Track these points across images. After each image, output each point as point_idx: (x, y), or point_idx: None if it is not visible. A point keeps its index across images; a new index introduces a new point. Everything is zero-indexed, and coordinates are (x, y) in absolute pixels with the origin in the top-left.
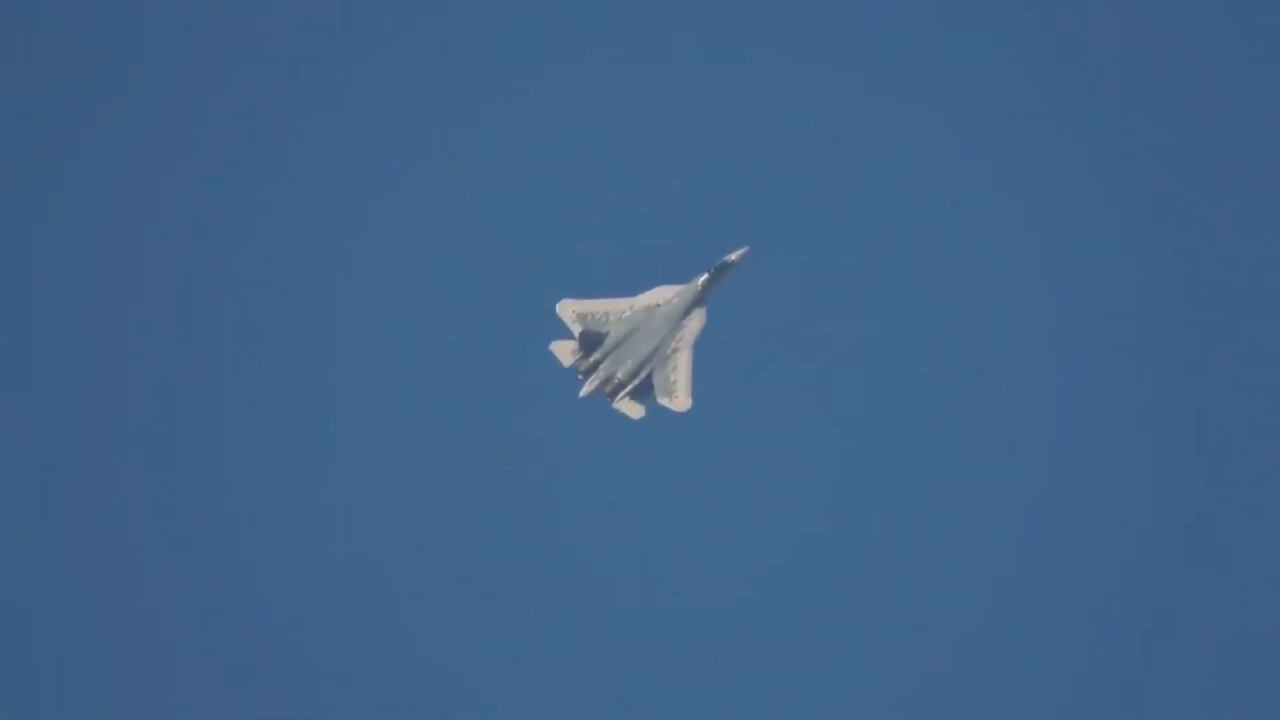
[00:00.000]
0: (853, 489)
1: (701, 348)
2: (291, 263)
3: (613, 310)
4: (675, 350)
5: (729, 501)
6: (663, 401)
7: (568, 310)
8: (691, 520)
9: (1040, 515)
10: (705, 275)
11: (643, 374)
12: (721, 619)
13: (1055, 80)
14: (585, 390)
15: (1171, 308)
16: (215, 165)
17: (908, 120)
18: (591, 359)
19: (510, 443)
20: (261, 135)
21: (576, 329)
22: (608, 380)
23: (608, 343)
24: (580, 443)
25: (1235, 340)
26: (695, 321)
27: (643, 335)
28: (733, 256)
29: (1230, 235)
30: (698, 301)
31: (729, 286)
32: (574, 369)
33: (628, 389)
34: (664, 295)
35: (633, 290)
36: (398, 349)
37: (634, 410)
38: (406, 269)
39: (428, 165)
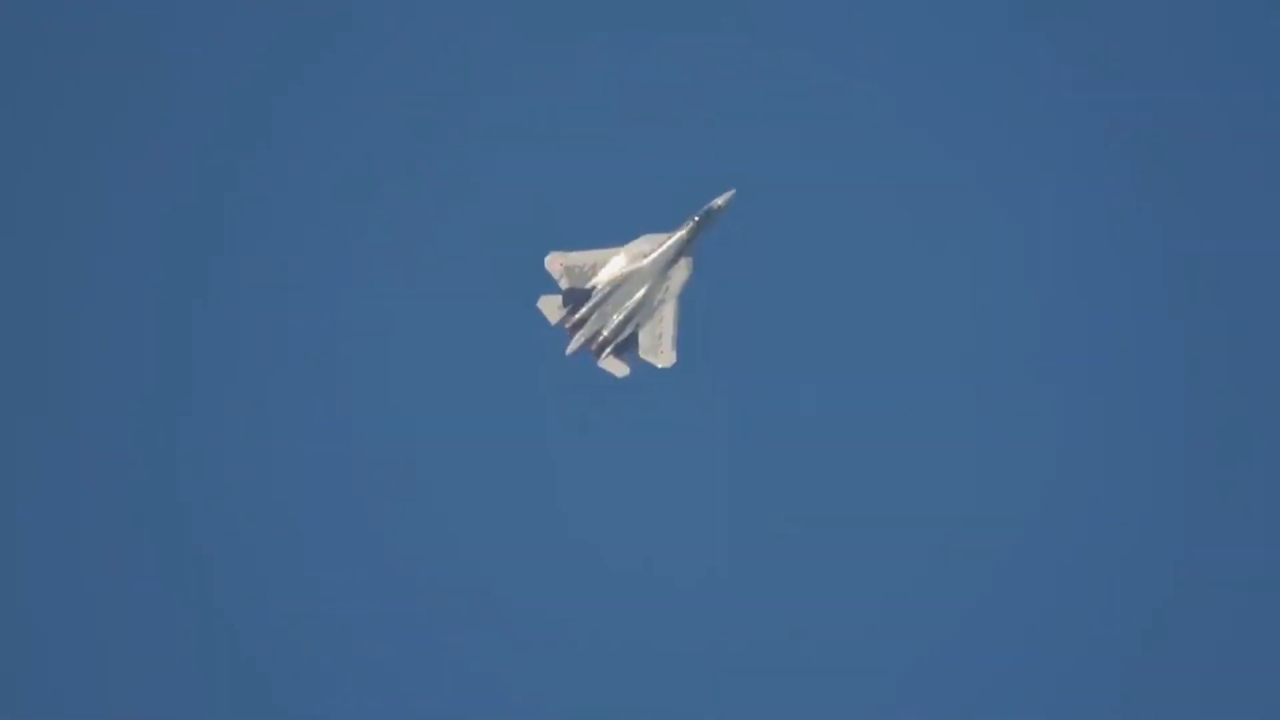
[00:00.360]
0: (840, 462)
1: (691, 303)
2: (278, 248)
3: (600, 261)
4: (662, 302)
5: (712, 474)
6: (647, 358)
7: (555, 263)
8: (675, 492)
9: (1029, 501)
10: (691, 222)
11: (629, 329)
12: (706, 597)
13: (1055, 78)
14: (572, 347)
15: (1166, 310)
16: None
17: (907, 113)
18: (578, 315)
19: (496, 412)
20: (233, 119)
21: (564, 284)
22: (593, 337)
23: (594, 296)
24: (564, 408)
25: (1229, 343)
26: (682, 271)
27: (629, 287)
28: (719, 201)
29: (1225, 239)
30: (684, 250)
31: (717, 234)
32: (562, 325)
33: (613, 345)
34: (651, 244)
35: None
36: (385, 324)
37: (618, 369)
38: (393, 242)
39: (413, 146)
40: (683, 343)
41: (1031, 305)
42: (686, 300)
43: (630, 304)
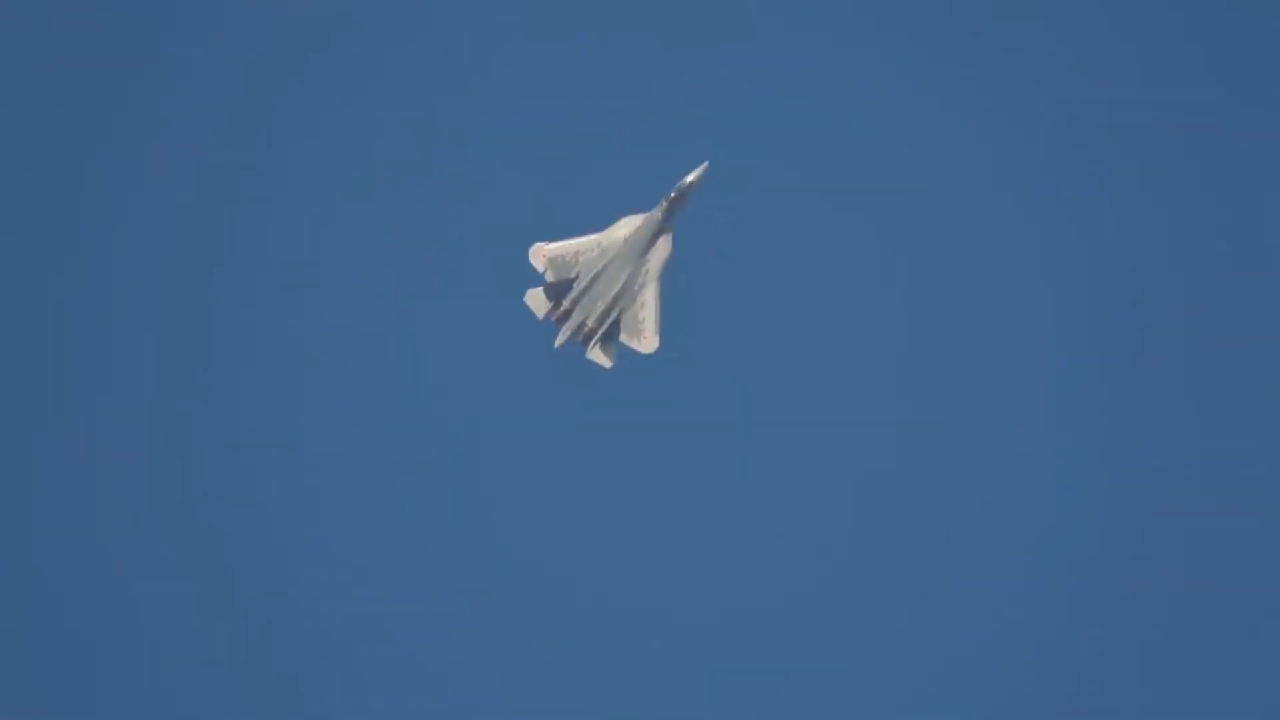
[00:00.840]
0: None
1: (675, 291)
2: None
3: (582, 249)
4: (642, 286)
5: (692, 463)
6: (630, 344)
7: (539, 256)
8: (659, 484)
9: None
10: (665, 201)
11: (612, 316)
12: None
13: (1041, 86)
14: (560, 340)
15: (1134, 307)
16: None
17: (890, 109)
18: (563, 308)
19: (488, 411)
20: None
21: (549, 276)
22: (579, 327)
23: (576, 287)
24: (553, 403)
25: (1188, 340)
26: (660, 251)
27: (610, 274)
28: (691, 177)
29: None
30: (661, 229)
31: (696, 209)
32: (549, 319)
33: (598, 335)
34: (629, 227)
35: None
36: (381, 327)
37: (603, 360)
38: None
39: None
40: (665, 327)
41: (1009, 295)
42: (669, 284)
43: (612, 292)
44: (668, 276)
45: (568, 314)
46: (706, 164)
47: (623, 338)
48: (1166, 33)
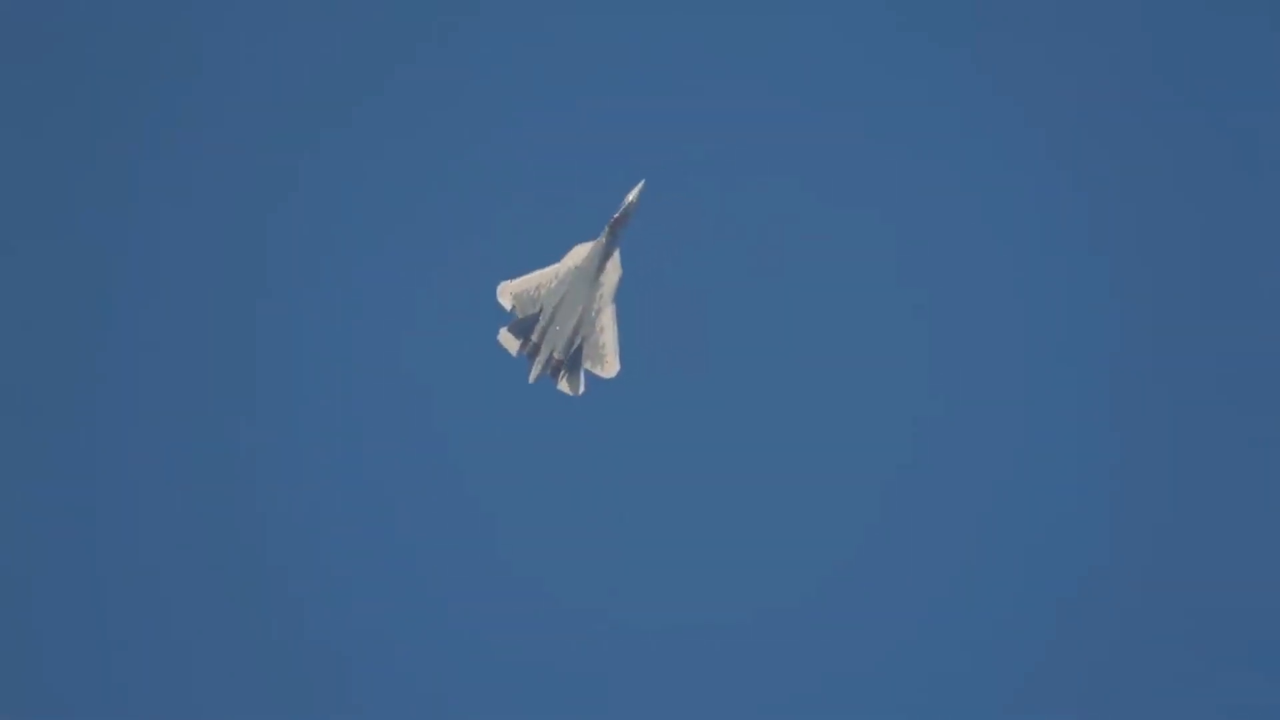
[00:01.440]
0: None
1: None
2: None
3: (542, 282)
4: (599, 311)
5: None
6: (594, 371)
7: (505, 294)
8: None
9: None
10: (609, 224)
11: (575, 344)
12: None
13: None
14: (533, 375)
15: (1108, 316)
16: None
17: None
18: (532, 342)
19: (469, 448)
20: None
21: (518, 313)
22: (548, 360)
23: (541, 320)
24: (530, 435)
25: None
26: (611, 275)
27: (568, 303)
28: (630, 197)
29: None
30: (608, 252)
31: (641, 229)
32: (522, 354)
33: (565, 365)
34: (579, 255)
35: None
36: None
37: (572, 388)
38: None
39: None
40: (625, 350)
41: (993, 308)
42: (627, 308)
43: (572, 321)
44: (623, 298)
45: (537, 348)
46: (644, 182)
47: (586, 365)
48: (1164, 33)
